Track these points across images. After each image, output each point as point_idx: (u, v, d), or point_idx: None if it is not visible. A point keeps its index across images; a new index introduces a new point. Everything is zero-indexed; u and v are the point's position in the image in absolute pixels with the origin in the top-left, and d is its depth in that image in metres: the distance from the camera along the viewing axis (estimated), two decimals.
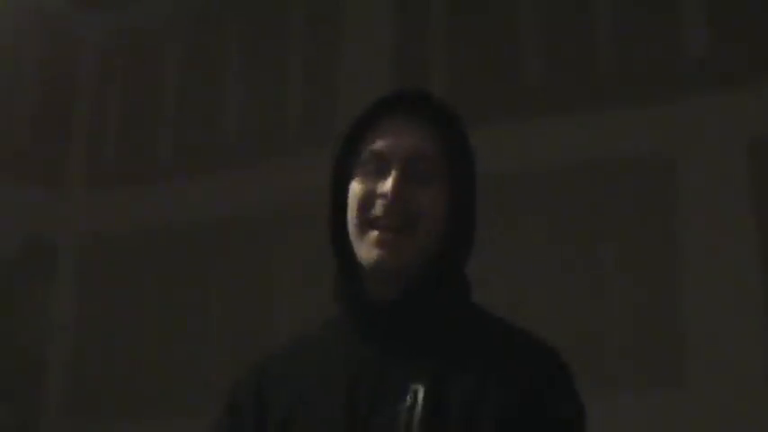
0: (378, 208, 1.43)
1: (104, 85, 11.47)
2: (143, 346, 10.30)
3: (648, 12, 8.99)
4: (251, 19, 10.86)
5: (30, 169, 10.85)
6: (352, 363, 1.42)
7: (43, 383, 10.56)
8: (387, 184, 1.43)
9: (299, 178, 9.18)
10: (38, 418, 10.45)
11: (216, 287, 10.27)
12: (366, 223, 1.44)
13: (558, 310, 8.31)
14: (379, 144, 1.47)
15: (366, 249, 1.43)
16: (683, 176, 8.53)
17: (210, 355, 9.93)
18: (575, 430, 1.39)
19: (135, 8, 11.32)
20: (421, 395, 1.35)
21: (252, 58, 10.75)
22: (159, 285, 10.54)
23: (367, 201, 1.45)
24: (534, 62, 9.37)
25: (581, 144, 8.84)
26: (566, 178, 8.84)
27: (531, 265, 8.64)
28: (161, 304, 10.43)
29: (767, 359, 7.87)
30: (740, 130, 8.42)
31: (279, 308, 9.72)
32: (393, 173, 1.43)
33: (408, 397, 1.36)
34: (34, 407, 10.45)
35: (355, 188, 1.47)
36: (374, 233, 1.43)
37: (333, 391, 1.41)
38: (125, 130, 11.24)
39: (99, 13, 11.35)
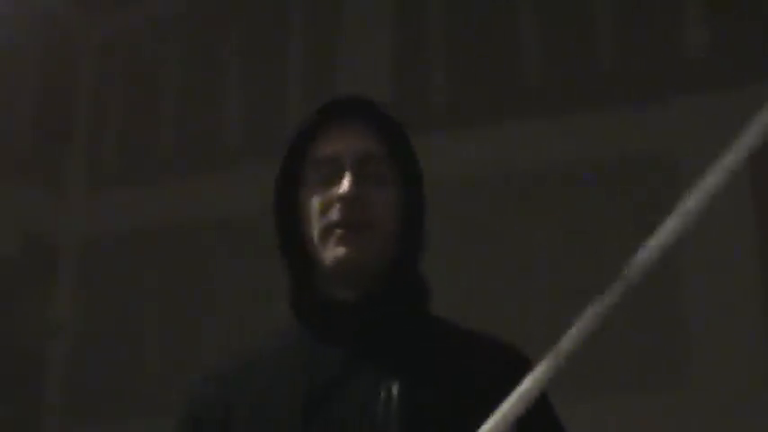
0: (335, 212, 1.44)
1: (104, 85, 11.46)
2: (143, 347, 10.29)
3: (648, 12, 8.98)
4: (251, 20, 10.85)
5: (30, 169, 10.84)
6: (312, 367, 1.41)
7: (43, 383, 10.55)
8: (342, 187, 1.43)
9: None
10: (38, 418, 10.44)
11: (217, 288, 10.26)
12: (327, 228, 1.43)
13: (557, 310, 8.30)
14: (329, 149, 1.49)
15: (330, 250, 1.45)
16: (682, 177, 8.52)
17: (212, 355, 9.91)
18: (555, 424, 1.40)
19: (135, 8, 11.31)
20: (395, 390, 1.34)
21: (252, 58, 10.74)
22: (159, 286, 10.53)
23: (325, 207, 1.45)
24: (534, 62, 9.36)
25: (581, 144, 8.83)
26: (566, 178, 8.83)
27: (531, 263, 8.63)
28: (161, 305, 10.42)
29: (767, 360, 7.86)
30: (740, 130, 8.40)
31: (283, 309, 9.69)
32: (347, 175, 1.44)
33: (382, 392, 1.33)
34: (34, 407, 10.44)
35: (312, 197, 1.48)
36: (336, 233, 1.43)
37: (291, 396, 1.39)
38: (125, 131, 11.23)
39: (99, 13, 11.35)
